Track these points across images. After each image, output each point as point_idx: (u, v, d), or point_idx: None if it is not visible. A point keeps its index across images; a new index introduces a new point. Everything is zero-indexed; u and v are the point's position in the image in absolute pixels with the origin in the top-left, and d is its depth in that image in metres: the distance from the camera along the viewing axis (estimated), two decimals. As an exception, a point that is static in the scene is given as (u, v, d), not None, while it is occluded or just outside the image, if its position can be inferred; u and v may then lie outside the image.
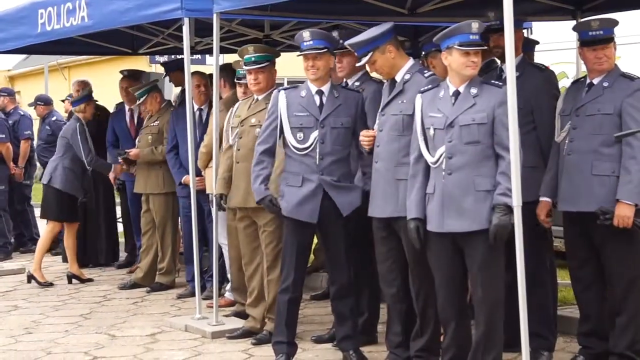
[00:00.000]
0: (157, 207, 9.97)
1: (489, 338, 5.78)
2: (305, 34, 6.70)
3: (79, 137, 10.36)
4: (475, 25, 5.72)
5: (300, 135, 6.69)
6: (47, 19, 9.64)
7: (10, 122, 13.17)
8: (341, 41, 6.93)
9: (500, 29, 6.00)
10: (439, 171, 5.84)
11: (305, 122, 6.70)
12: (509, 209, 5.55)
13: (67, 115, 12.48)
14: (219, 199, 7.76)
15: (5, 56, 12.38)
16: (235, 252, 7.97)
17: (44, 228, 10.88)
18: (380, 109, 6.40)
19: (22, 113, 13.60)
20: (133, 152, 10.01)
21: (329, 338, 7.37)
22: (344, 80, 7.33)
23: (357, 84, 7.21)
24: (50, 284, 10.56)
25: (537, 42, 8.26)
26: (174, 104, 10.50)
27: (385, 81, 6.52)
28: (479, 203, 5.70)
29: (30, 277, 10.60)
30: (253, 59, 7.42)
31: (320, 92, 6.76)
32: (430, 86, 6.01)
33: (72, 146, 10.38)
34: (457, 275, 5.87)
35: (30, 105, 13.28)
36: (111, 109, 11.45)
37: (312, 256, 8.98)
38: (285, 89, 6.87)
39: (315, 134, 6.66)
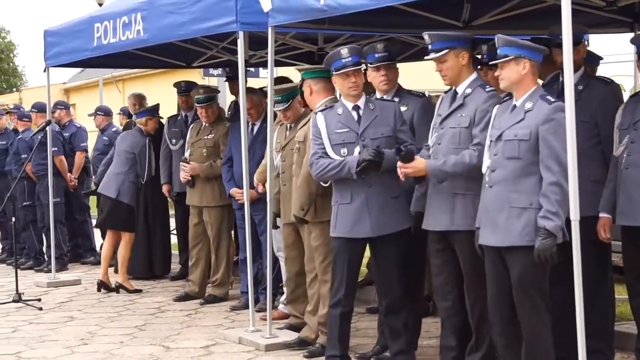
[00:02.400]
0: (213, 219, 9.96)
1: (532, 355, 5.71)
2: (344, 50, 6.74)
3: (147, 152, 10.78)
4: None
5: (344, 150, 6.72)
6: (103, 32, 9.75)
7: (66, 134, 13.36)
8: (376, 55, 7.04)
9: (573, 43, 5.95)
10: (484, 183, 5.83)
11: (347, 137, 6.74)
12: (550, 233, 5.47)
13: (122, 127, 12.60)
14: (273, 219, 7.90)
15: (61, 69, 12.50)
16: (293, 265, 8.00)
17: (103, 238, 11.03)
18: (439, 122, 6.37)
19: (78, 126, 13.79)
20: (189, 167, 9.98)
21: (373, 355, 7.32)
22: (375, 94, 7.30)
23: (396, 99, 7.18)
24: (140, 291, 10.79)
25: (601, 58, 8.17)
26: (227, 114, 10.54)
27: (442, 94, 6.50)
28: (512, 219, 5.64)
29: (119, 288, 10.78)
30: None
31: (356, 107, 6.80)
32: (507, 98, 5.95)
33: (138, 160, 10.59)
34: (505, 288, 5.78)
35: (90, 115, 13.41)
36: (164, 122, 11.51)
37: (364, 269, 8.96)
38: (321, 111, 6.93)
39: (358, 149, 6.67)
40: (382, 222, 6.69)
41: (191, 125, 10.37)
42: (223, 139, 9.88)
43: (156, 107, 11.31)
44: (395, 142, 6.69)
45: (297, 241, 7.84)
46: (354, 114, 6.79)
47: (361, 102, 6.82)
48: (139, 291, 10.80)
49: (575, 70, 6.52)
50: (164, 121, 11.39)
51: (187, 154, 10.14)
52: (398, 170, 6.31)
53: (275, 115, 8.04)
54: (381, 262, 6.85)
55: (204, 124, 10.08)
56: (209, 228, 9.99)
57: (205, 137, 10.01)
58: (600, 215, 6.35)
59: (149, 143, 10.82)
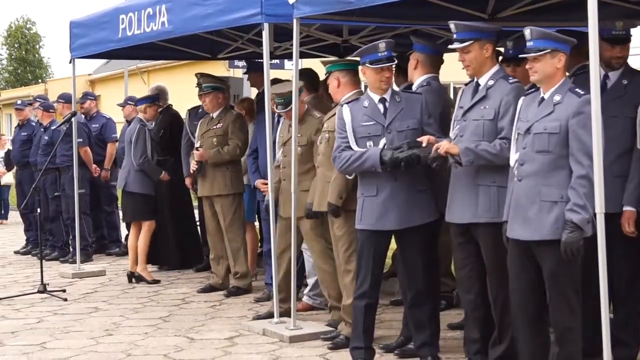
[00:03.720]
0: (226, 209, 9.93)
1: (565, 350, 5.68)
2: (381, 45, 6.70)
3: (138, 138, 10.80)
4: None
5: (370, 143, 6.71)
6: (128, 24, 9.79)
7: (95, 125, 13.44)
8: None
9: (625, 39, 5.94)
10: (513, 177, 5.79)
11: (373, 130, 6.73)
12: (577, 226, 5.43)
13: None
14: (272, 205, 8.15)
15: (86, 60, 12.53)
16: (282, 259, 8.30)
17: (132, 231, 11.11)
18: (460, 114, 6.35)
19: (107, 117, 13.87)
20: (198, 153, 9.97)
21: (396, 346, 7.33)
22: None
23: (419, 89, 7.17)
24: (158, 281, 10.87)
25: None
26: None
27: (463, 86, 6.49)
28: (543, 213, 5.59)
29: (139, 278, 10.89)
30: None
31: (383, 100, 6.79)
32: (533, 90, 5.89)
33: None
34: (529, 282, 5.75)
35: (119, 105, 13.43)
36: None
37: (389, 261, 8.95)
38: (347, 103, 6.92)
39: (384, 141, 6.66)
40: (407, 214, 6.69)
41: (200, 121, 10.33)
42: (231, 127, 9.89)
43: (156, 95, 11.37)
44: (422, 135, 6.66)
45: (287, 233, 8.02)
46: (380, 106, 6.78)
47: (388, 95, 6.80)
48: (157, 282, 10.84)
49: (621, 66, 6.49)
50: (183, 113, 11.43)
51: (197, 144, 10.12)
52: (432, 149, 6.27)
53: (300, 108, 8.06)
54: (407, 255, 6.85)
55: (212, 115, 10.08)
56: (221, 218, 9.95)
57: (214, 127, 9.99)
58: (625, 208, 6.30)
59: (140, 129, 10.89)
